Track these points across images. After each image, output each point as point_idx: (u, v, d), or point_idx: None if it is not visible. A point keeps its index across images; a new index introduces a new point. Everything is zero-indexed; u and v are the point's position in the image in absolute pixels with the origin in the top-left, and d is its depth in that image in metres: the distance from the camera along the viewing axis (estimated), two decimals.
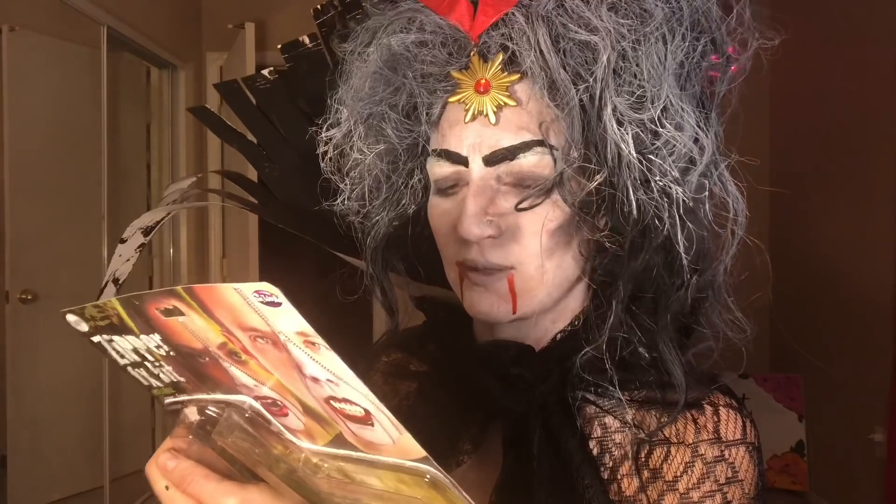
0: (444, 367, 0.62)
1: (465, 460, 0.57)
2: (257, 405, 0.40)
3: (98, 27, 2.65)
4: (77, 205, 2.80)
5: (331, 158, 0.61)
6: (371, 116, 0.58)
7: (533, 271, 0.52)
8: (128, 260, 0.86)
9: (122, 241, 0.87)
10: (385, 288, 0.63)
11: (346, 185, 0.62)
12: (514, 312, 0.53)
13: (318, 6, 0.80)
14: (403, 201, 0.61)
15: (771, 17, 0.51)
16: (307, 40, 0.81)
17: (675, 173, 0.48)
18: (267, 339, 0.35)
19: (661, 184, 0.48)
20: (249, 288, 0.32)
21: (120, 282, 0.87)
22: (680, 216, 0.49)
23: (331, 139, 0.61)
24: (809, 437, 3.06)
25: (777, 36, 0.51)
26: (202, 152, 3.40)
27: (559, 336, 0.57)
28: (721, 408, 0.53)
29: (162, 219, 0.86)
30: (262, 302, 0.32)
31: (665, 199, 0.49)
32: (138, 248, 0.86)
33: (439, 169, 0.54)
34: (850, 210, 2.78)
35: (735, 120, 0.54)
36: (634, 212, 0.49)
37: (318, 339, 0.33)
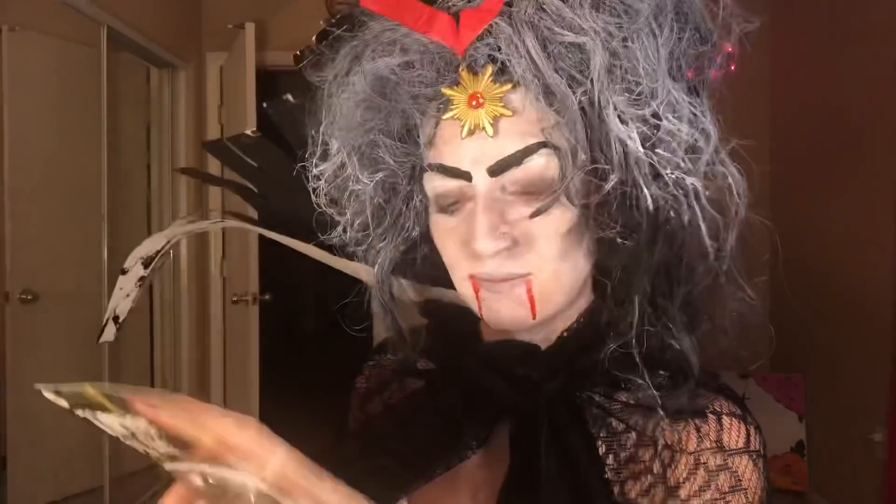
0: (451, 366, 0.61)
1: (469, 455, 0.58)
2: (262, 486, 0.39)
3: (98, 27, 2.64)
4: (77, 205, 2.80)
5: (325, 193, 0.60)
6: (364, 146, 0.57)
7: (549, 275, 0.52)
8: (128, 295, 0.85)
9: (124, 273, 0.86)
10: (395, 315, 0.62)
11: (345, 217, 0.60)
12: (534, 318, 0.53)
13: (299, 51, 0.80)
14: (408, 225, 0.60)
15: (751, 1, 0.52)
16: (291, 98, 0.84)
17: (688, 164, 0.49)
18: None
19: (673, 176, 0.49)
20: None
21: (120, 320, 0.85)
22: (701, 206, 0.49)
23: (322, 173, 0.59)
24: (809, 437, 3.06)
25: (758, 19, 0.51)
26: (202, 152, 3.39)
27: (565, 334, 0.57)
28: (724, 416, 0.53)
29: (162, 247, 0.86)
30: None
31: (680, 191, 0.49)
32: (138, 281, 0.85)
33: (440, 186, 0.53)
34: (850, 210, 2.78)
35: (734, 117, 0.54)
36: (650, 206, 0.49)
37: None
